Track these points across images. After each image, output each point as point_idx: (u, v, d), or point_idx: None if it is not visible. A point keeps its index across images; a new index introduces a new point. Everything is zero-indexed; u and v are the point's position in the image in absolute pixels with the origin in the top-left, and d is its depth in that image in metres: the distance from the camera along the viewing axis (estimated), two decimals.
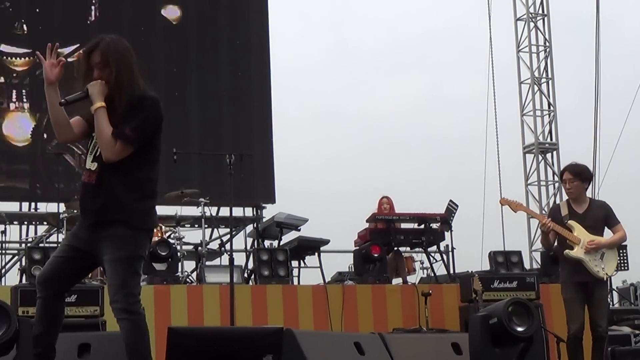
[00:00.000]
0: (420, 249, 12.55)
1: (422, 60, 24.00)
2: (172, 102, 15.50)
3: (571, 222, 8.79)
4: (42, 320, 5.32)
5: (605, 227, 8.91)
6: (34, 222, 14.58)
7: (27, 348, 5.12)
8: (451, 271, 12.13)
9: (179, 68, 15.85)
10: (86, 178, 5.36)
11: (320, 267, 11.93)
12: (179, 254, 11.22)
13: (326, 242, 12.11)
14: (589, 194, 9.27)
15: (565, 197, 9.48)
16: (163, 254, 10.68)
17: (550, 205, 16.17)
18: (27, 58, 15.31)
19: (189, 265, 11.97)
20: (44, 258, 9.95)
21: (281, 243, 12.17)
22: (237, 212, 15.07)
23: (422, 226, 12.07)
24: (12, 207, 14.38)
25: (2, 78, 15.47)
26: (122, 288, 5.15)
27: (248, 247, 14.11)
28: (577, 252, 8.67)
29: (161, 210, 13.32)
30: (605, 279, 8.86)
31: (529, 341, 6.56)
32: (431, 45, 23.58)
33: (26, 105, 15.58)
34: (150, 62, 15.48)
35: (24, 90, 15.65)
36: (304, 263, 12.22)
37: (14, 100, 15.48)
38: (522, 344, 6.57)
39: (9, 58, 15.37)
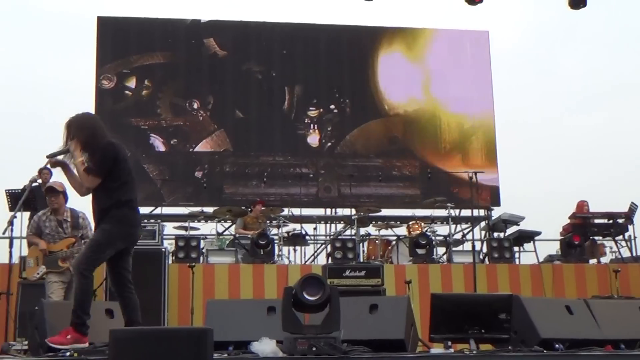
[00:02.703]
0: (610, 238, 12.09)
1: (605, 99, 22.86)
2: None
3: None
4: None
5: None
6: (334, 222, 14.99)
7: (337, 307, 5.27)
8: (634, 254, 11.64)
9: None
10: None
11: (535, 251, 11.79)
12: (433, 242, 11.34)
13: (539, 233, 11.92)
14: None
15: None
16: (423, 242, 10.97)
17: None
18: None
19: (441, 250, 12.01)
20: (342, 246, 10.40)
21: (506, 234, 12.15)
22: (474, 212, 14.95)
23: (611, 221, 11.70)
24: (320, 211, 14.85)
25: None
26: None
27: (482, 237, 13.96)
28: None
29: (422, 212, 13.61)
30: None
31: None
32: (610, 89, 22.38)
33: None
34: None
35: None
36: (523, 248, 12.04)
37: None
38: None
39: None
